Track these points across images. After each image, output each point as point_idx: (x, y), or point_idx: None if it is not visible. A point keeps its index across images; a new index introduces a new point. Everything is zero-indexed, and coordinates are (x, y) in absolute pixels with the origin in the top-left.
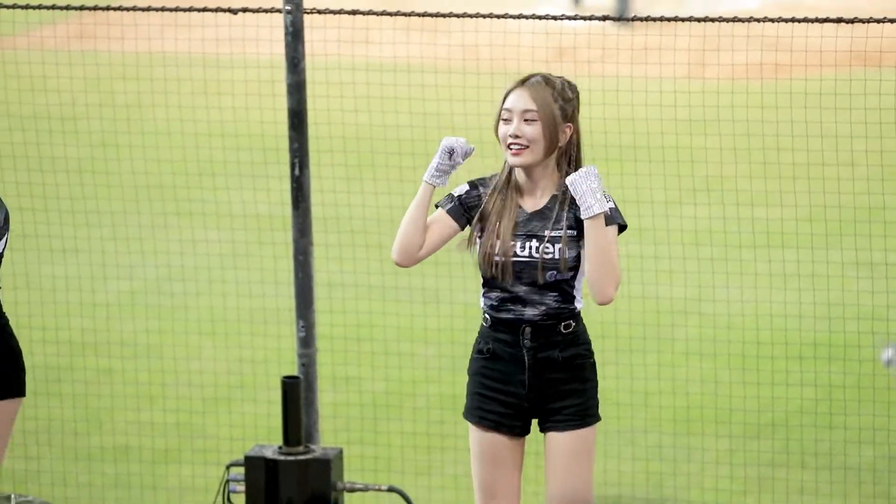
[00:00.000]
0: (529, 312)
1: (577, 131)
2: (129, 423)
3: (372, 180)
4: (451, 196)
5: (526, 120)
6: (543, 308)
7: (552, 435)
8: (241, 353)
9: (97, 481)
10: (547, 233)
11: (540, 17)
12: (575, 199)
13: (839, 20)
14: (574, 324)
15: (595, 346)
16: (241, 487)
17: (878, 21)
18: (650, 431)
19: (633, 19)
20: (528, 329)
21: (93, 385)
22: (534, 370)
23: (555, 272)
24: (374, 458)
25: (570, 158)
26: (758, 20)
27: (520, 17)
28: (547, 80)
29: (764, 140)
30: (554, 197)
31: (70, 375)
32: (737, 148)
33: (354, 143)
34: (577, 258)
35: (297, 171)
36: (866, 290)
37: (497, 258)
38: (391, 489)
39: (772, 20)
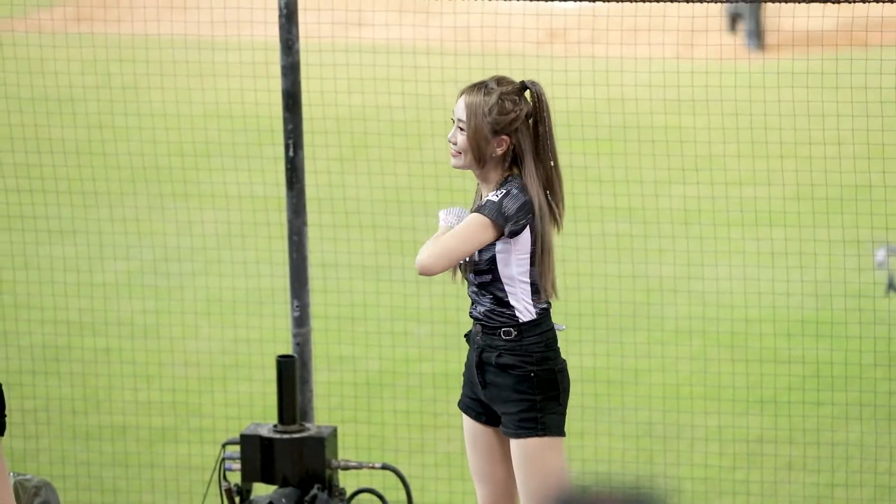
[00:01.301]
0: (475, 312)
1: (519, 141)
2: (126, 403)
3: (365, 161)
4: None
5: (459, 128)
6: (484, 310)
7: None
8: (237, 332)
9: (95, 460)
10: None
11: None
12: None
13: (826, 0)
14: (515, 333)
15: (586, 324)
16: (237, 465)
17: (864, 1)
18: (640, 409)
19: (623, 0)
20: (479, 326)
21: (91, 364)
22: (479, 368)
23: (472, 275)
24: (368, 436)
25: (519, 165)
26: (745, 0)
27: None
28: (488, 89)
29: (752, 119)
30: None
31: (68, 355)
32: (725, 127)
33: (348, 124)
34: (491, 261)
35: (291, 152)
36: (853, 267)
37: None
38: (385, 467)
39: (758, 0)
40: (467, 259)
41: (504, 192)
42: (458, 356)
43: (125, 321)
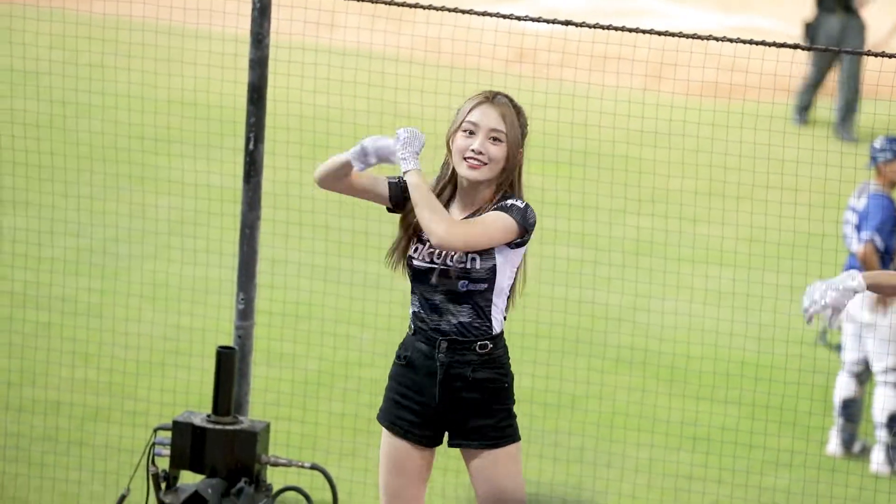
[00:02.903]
0: (445, 325)
1: (523, 155)
2: (62, 379)
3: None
4: (398, 177)
5: (492, 138)
6: (456, 322)
7: (467, 452)
8: (180, 319)
9: (26, 432)
10: None
11: (504, 16)
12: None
13: (796, 46)
14: (491, 346)
15: (529, 345)
16: (167, 451)
17: (835, 51)
18: (574, 434)
19: (595, 26)
20: (443, 343)
21: (30, 338)
22: (444, 385)
23: (466, 282)
24: (301, 435)
25: (510, 178)
26: (717, 39)
27: (484, 14)
28: (512, 102)
29: (712, 158)
30: (480, 210)
31: (9, 326)
32: (685, 163)
33: (311, 123)
34: (492, 270)
35: (251, 146)
36: (798, 314)
37: (416, 262)
38: (314, 467)
39: (730, 40)
40: (452, 264)
41: (522, 202)
42: None
43: (69, 297)
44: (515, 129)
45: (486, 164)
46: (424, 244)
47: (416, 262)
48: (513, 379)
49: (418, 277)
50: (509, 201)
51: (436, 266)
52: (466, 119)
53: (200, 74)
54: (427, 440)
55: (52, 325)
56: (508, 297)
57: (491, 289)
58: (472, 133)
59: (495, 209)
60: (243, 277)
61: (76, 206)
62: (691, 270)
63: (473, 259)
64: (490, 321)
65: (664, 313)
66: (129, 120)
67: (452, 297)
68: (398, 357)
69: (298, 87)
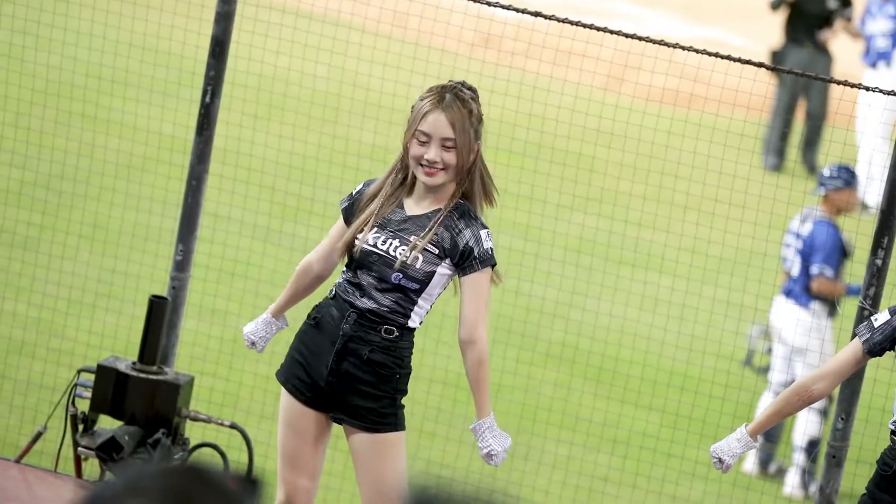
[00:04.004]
0: (361, 303)
1: (481, 146)
2: None
3: (279, 123)
4: (350, 195)
5: (445, 147)
6: (375, 306)
7: (348, 430)
8: (116, 263)
9: None
10: (412, 239)
11: (474, 0)
12: (453, 223)
13: (760, 65)
14: (397, 335)
15: (456, 328)
16: (88, 394)
17: (798, 74)
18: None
19: (563, 21)
20: (353, 315)
21: None
22: (339, 356)
23: (401, 276)
24: (224, 392)
25: (469, 172)
26: (683, 48)
27: None
28: (461, 99)
29: (664, 165)
30: (438, 210)
31: None
32: (636, 167)
33: (269, 83)
34: (429, 275)
35: (207, 99)
36: (731, 330)
37: (357, 241)
38: (233, 426)
39: (696, 51)
40: (388, 254)
41: (477, 233)
42: None
43: (7, 229)
44: (466, 133)
45: (442, 169)
46: (368, 225)
47: (357, 243)
48: (409, 374)
49: (353, 255)
50: (484, 243)
51: (378, 252)
52: (419, 128)
53: (165, 21)
54: (314, 404)
55: None
56: (432, 305)
57: (421, 291)
58: (425, 143)
59: (472, 263)
60: (184, 229)
61: (24, 139)
62: (630, 274)
63: (417, 258)
64: (408, 316)
65: (598, 313)
66: (87, 58)
67: (381, 284)
68: (309, 317)
69: (261, 46)
